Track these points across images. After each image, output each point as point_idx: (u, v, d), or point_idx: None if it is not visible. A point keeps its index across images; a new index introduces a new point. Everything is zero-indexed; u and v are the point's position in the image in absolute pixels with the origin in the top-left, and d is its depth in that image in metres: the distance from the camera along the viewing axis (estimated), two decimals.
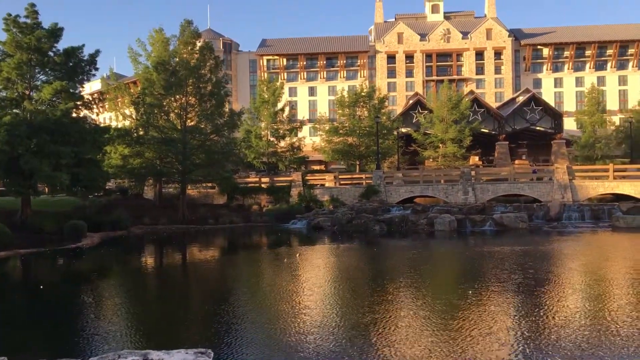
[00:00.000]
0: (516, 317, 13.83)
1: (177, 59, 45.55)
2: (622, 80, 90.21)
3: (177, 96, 45.29)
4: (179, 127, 44.98)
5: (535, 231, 36.78)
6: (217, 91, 46.37)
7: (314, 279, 20.92)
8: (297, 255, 27.31)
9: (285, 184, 50.27)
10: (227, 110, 49.67)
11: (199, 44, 46.84)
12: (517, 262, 23.15)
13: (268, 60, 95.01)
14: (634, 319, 13.33)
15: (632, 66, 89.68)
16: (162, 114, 45.52)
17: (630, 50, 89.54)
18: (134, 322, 14.59)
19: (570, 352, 10.88)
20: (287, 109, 63.77)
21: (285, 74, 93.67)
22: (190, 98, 45.73)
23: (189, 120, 45.80)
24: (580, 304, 15.31)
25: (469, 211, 41.38)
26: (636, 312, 13.96)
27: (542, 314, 14.05)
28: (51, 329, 13.87)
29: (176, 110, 45.70)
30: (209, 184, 50.02)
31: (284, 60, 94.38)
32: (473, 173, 49.97)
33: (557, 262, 23.79)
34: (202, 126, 46.26)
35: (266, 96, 60.43)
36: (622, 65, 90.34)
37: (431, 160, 64.98)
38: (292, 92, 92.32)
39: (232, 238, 38.51)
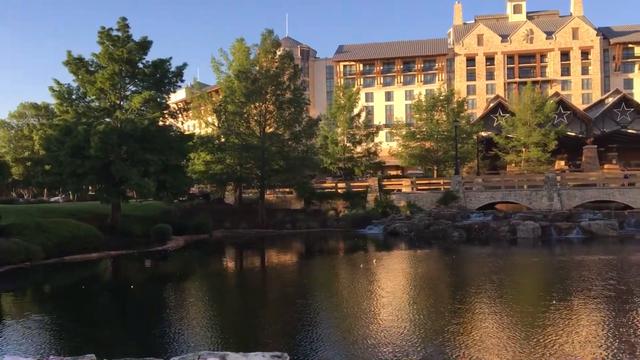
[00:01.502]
0: (597, 330, 13.11)
1: (258, 68, 46.77)
2: None
3: (257, 104, 46.46)
4: (259, 134, 46.11)
5: (626, 240, 34.69)
6: (296, 98, 47.18)
7: (391, 285, 20.78)
8: (374, 260, 27.21)
9: (361, 189, 50.28)
10: (305, 117, 50.41)
11: (278, 53, 47.86)
12: (604, 272, 21.92)
13: (344, 66, 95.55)
14: None
15: None
16: (243, 121, 46.85)
17: None
18: (215, 323, 15.06)
19: None
20: (363, 114, 63.82)
21: (362, 79, 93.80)
22: (269, 105, 46.79)
23: (268, 127, 46.86)
24: None
25: (554, 218, 39.64)
26: None
27: (626, 327, 13.25)
28: (137, 329, 14.57)
29: (256, 118, 46.89)
30: (287, 189, 50.91)
31: (361, 65, 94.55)
32: (558, 178, 47.89)
33: None
34: (281, 133, 47.17)
35: (342, 102, 60.78)
36: None
37: (513, 165, 62.88)
38: (369, 97, 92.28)
39: (308, 243, 38.95)
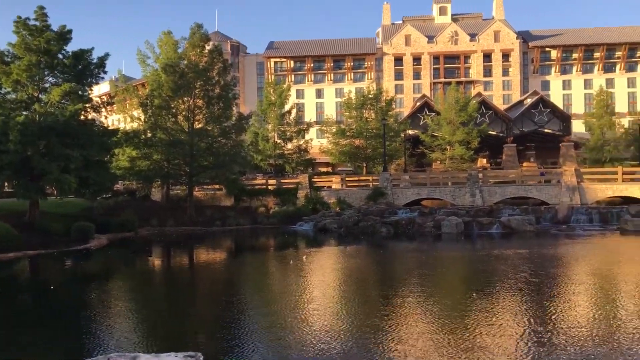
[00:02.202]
0: (518, 321, 13.78)
1: (186, 62, 45.77)
2: (631, 83, 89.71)
3: (185, 98, 45.47)
4: (187, 130, 45.16)
5: (542, 234, 36.61)
6: (225, 94, 46.52)
7: (319, 281, 20.94)
8: (304, 257, 27.33)
9: (292, 186, 50.31)
10: (234, 112, 49.83)
11: (207, 47, 47.03)
12: (523, 266, 23.07)
13: (275, 63, 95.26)
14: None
15: None
16: (170, 116, 45.71)
17: (639, 53, 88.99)
18: (136, 324, 14.65)
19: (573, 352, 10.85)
20: (294, 111, 63.83)
21: (293, 76, 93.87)
22: (198, 100, 45.90)
23: (196, 123, 45.97)
24: (585, 308, 15.25)
25: (476, 214, 41.24)
26: None
27: (544, 317, 14.01)
28: (55, 331, 13.97)
29: (184, 113, 45.88)
30: (216, 186, 50.17)
31: (291, 62, 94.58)
32: (480, 175, 49.79)
33: (563, 266, 23.67)
34: (210, 128, 46.39)
35: (273, 98, 60.56)
36: (631, 68, 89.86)
37: (439, 162, 64.82)
38: (300, 94, 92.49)
39: (238, 240, 38.61)
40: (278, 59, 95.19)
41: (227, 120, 47.00)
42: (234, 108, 50.46)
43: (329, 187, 51.37)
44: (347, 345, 11.81)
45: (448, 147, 61.17)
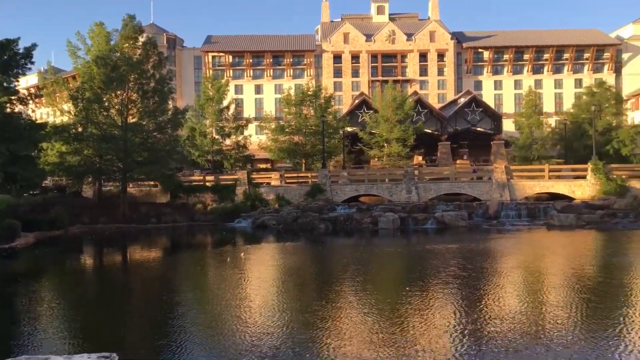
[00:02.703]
0: (447, 314, 14.22)
1: (119, 54, 44.36)
2: (558, 84, 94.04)
3: (118, 92, 44.10)
4: (120, 124, 43.82)
5: (474, 229, 37.90)
6: (161, 88, 45.41)
7: (257, 278, 20.85)
8: (242, 254, 27.14)
9: (230, 182, 49.79)
10: (170, 107, 48.78)
11: (141, 39, 45.75)
12: (454, 260, 23.84)
13: (213, 57, 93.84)
14: (558, 307, 14.01)
15: (567, 70, 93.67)
16: (102, 110, 44.20)
17: (565, 55, 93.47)
18: (57, 326, 14.06)
19: (497, 340, 11.31)
20: (232, 107, 63.12)
21: (231, 71, 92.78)
22: (132, 94, 44.60)
23: (130, 117, 44.65)
24: (510, 300, 15.93)
25: (412, 210, 42.22)
26: (560, 302, 14.69)
27: (475, 309, 14.53)
28: None
29: (117, 107, 44.48)
30: (152, 183, 48.96)
31: (230, 57, 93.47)
32: (416, 172, 50.98)
33: (492, 260, 24.62)
34: (145, 123, 45.20)
35: (211, 93, 59.68)
36: (557, 70, 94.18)
37: (376, 159, 65.78)
38: (238, 89, 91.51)
39: (174, 237, 37.88)
40: (216, 54, 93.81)
41: (162, 115, 45.92)
42: (170, 102, 49.40)
43: (268, 183, 51.21)
44: (279, 342, 11.80)
45: (385, 145, 62.17)
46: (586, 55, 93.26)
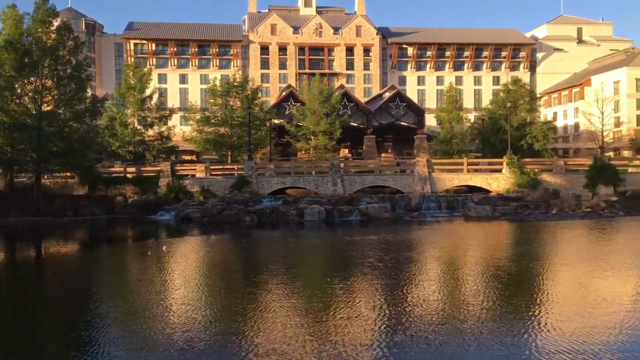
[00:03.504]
0: (369, 304, 14.52)
1: (31, 39, 41.94)
2: (477, 81, 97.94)
3: (32, 78, 41.76)
4: (34, 112, 41.51)
5: (397, 220, 38.88)
6: (77, 74, 43.39)
7: (179, 271, 20.43)
8: (164, 247, 26.46)
9: (152, 174, 48.44)
10: (89, 95, 46.73)
11: (56, 23, 43.47)
12: (377, 251, 24.41)
13: (135, 45, 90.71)
14: (471, 295, 14.66)
15: (486, 68, 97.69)
16: (14, 97, 41.72)
17: (484, 53, 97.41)
18: None
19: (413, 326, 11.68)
20: (155, 96, 61.24)
21: (154, 59, 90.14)
22: (46, 81, 42.35)
23: (45, 105, 42.39)
24: (427, 289, 16.48)
25: (337, 202, 42.70)
26: (470, 290, 15.38)
27: (393, 299, 14.94)
28: None
29: (30, 94, 42.13)
30: (68, 174, 46.75)
31: (153, 45, 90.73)
32: (342, 165, 51.63)
33: (412, 251, 25.43)
34: (61, 112, 43.07)
35: (132, 82, 57.63)
36: (477, 67, 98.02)
37: (303, 152, 66.03)
38: (162, 78, 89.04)
39: (92, 231, 36.46)
40: (138, 41, 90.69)
41: (80, 103, 43.91)
42: (88, 90, 47.31)
43: (193, 175, 50.26)
44: (195, 335, 11.60)
45: (312, 137, 62.50)
46: (503, 53, 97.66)
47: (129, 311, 14.14)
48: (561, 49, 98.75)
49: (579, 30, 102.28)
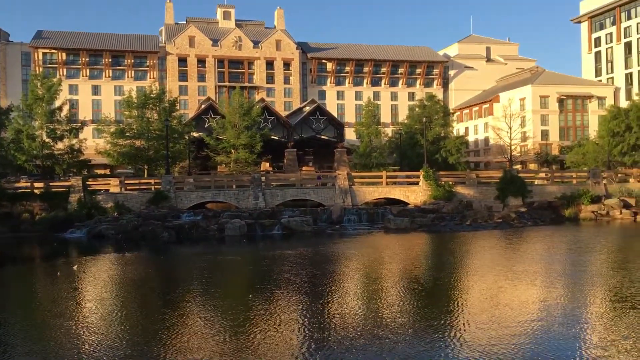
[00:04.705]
0: (288, 319, 14.38)
1: None
2: (394, 96, 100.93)
3: None
4: None
5: (319, 234, 38.99)
6: None
7: (90, 292, 19.34)
8: (75, 267, 24.96)
9: (62, 189, 45.92)
10: None
11: None
12: (299, 265, 24.38)
13: (45, 54, 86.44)
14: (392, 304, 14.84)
15: (402, 84, 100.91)
16: None
17: (400, 70, 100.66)
18: None
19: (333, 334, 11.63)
20: (66, 108, 58.27)
21: (65, 69, 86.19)
22: None
23: None
24: (347, 302, 16.55)
25: (259, 216, 42.26)
26: (393, 301, 15.58)
27: (313, 312, 14.87)
28: None
29: None
30: None
31: (64, 54, 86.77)
32: (263, 179, 51.21)
33: (333, 263, 25.60)
34: None
35: (40, 92, 54.46)
36: (393, 83, 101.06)
37: (223, 165, 65.00)
38: (73, 89, 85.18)
39: None
40: (48, 50, 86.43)
41: None
42: None
43: (107, 190, 48.09)
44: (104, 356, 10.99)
45: (233, 151, 61.71)
46: (418, 70, 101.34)
47: (32, 337, 13.15)
48: (471, 67, 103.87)
49: (488, 50, 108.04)
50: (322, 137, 75.39)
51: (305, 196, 49.71)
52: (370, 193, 50.60)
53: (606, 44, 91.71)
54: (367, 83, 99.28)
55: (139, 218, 39.92)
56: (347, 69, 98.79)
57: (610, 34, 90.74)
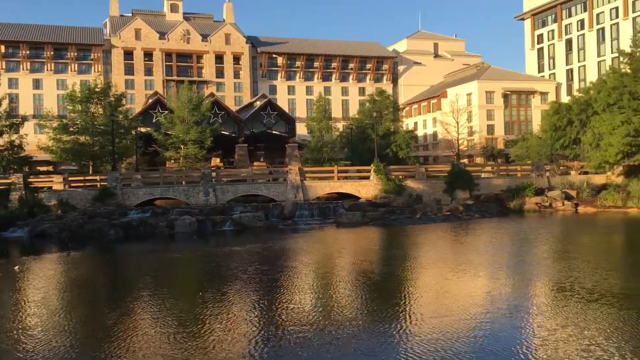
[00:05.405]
0: (242, 316, 14.27)
1: None
2: (345, 91, 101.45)
3: None
4: None
5: (271, 229, 38.81)
6: None
7: (33, 293, 18.63)
8: (16, 267, 23.97)
9: (3, 187, 43.99)
10: None
11: None
12: (249, 261, 24.28)
13: None
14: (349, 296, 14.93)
15: (352, 79, 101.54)
16: None
17: (351, 65, 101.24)
18: None
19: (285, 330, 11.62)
20: (5, 102, 55.77)
21: (4, 63, 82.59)
22: None
23: None
24: (299, 296, 16.59)
25: (210, 212, 41.70)
26: (348, 292, 15.69)
27: (264, 309, 14.81)
28: None
29: None
30: None
31: (2, 47, 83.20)
32: (214, 174, 50.55)
33: (285, 259, 25.55)
34: None
35: None
36: (344, 78, 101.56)
37: (172, 161, 63.82)
38: (13, 83, 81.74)
39: None
40: None
41: None
42: None
43: (50, 187, 46.49)
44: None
45: (182, 146, 60.63)
46: (368, 66, 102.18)
47: None
48: (420, 63, 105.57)
49: (436, 46, 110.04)
50: (274, 132, 74.98)
51: (257, 192, 49.41)
52: (322, 188, 50.72)
53: (548, 40, 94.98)
54: (317, 78, 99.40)
55: (84, 216, 38.76)
56: (298, 63, 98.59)
57: (552, 31, 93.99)
